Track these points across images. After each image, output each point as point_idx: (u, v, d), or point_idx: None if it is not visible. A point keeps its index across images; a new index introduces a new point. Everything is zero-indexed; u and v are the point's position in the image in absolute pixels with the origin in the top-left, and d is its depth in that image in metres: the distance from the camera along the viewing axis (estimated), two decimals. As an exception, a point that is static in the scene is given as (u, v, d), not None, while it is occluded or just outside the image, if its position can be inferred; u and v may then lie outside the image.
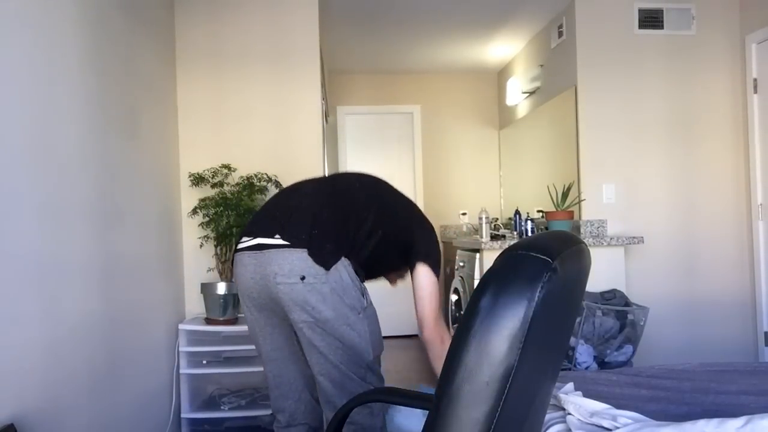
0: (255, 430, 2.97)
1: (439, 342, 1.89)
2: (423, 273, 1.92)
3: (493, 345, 0.74)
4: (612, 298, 3.33)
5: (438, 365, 1.90)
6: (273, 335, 1.90)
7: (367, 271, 1.88)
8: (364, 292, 1.81)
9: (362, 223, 1.83)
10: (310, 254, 1.70)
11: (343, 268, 1.74)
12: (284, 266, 1.70)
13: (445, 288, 5.11)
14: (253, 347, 2.94)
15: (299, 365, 1.94)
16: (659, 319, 3.72)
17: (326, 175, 2.08)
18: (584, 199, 3.81)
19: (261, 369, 2.95)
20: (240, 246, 1.83)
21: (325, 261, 1.71)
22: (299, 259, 1.70)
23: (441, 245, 5.64)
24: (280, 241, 1.74)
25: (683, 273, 3.88)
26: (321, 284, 1.69)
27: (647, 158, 3.89)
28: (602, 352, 3.11)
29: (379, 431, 1.83)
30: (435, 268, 1.95)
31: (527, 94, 4.95)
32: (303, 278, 1.69)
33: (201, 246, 3.17)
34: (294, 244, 1.72)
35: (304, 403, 1.97)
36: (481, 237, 3.80)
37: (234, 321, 3.01)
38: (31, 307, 1.63)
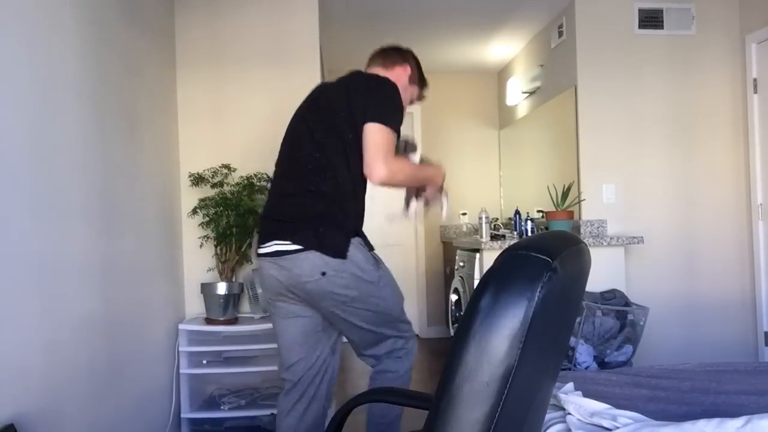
0: (255, 430, 2.97)
1: (398, 174, 1.87)
2: (372, 130, 1.84)
3: (493, 345, 0.74)
4: (612, 298, 3.33)
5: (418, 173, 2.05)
6: (302, 324, 2.01)
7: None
8: (378, 261, 1.98)
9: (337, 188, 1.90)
10: (324, 253, 1.85)
11: (356, 249, 1.89)
12: (305, 267, 1.85)
13: (445, 288, 5.11)
14: (253, 347, 2.96)
15: (322, 352, 2.06)
16: (659, 319, 3.72)
17: (294, 141, 2.01)
18: (584, 199, 3.81)
19: (261, 369, 2.97)
20: (260, 252, 1.96)
21: (340, 251, 1.86)
22: (316, 258, 1.85)
23: (441, 245, 5.65)
24: (295, 246, 1.87)
25: (683, 273, 3.87)
26: (341, 272, 1.85)
27: (647, 158, 3.89)
28: (602, 352, 3.11)
29: (409, 370, 2.05)
30: (389, 123, 1.85)
31: (527, 94, 4.95)
32: (324, 273, 1.85)
33: (201, 246, 3.17)
34: (306, 246, 1.85)
35: (316, 387, 2.06)
36: (481, 237, 3.80)
37: (234, 321, 3.01)
38: (32, 307, 1.63)
